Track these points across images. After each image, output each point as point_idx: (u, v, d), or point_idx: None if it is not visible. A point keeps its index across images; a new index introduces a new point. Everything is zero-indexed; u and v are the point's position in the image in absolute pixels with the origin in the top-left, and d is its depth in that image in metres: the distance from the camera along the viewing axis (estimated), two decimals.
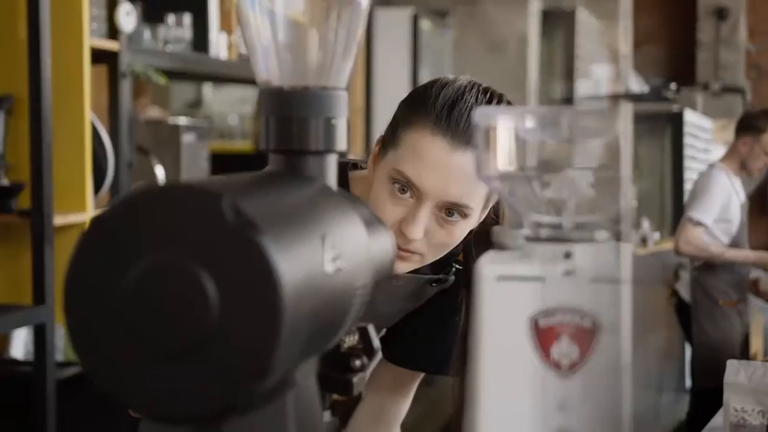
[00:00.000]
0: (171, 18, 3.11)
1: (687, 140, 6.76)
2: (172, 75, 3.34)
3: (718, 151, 8.17)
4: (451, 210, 1.26)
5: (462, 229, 1.28)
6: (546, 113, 0.70)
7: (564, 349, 0.67)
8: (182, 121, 3.28)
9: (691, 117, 6.89)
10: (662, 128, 6.64)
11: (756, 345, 6.26)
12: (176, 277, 0.59)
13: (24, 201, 2.42)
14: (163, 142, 3.20)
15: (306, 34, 0.81)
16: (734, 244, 4.34)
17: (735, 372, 1.96)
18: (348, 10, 0.82)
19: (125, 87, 2.76)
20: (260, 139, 0.81)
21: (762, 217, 8.96)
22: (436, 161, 1.23)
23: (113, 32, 2.72)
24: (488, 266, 0.69)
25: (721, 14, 8.92)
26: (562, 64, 7.20)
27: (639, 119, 5.78)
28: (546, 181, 0.70)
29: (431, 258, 1.31)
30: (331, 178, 0.80)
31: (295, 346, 0.63)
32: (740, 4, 8.99)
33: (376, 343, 0.91)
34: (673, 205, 6.84)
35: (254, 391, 0.60)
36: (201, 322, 0.59)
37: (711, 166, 4.52)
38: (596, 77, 5.26)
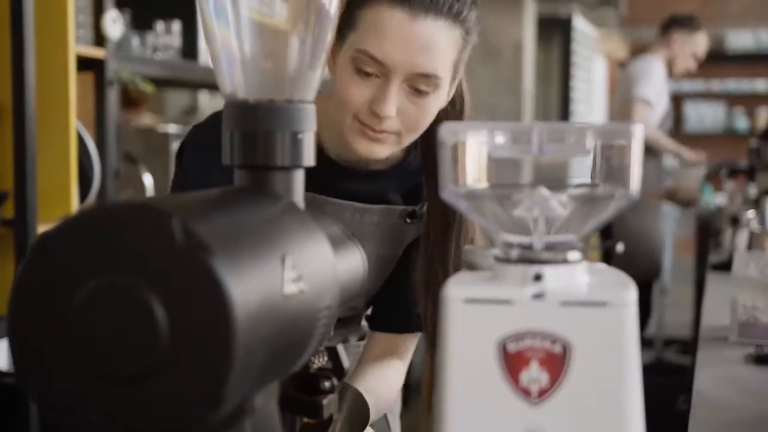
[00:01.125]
0: (160, 25, 3.08)
1: (574, 47, 6.93)
2: (162, 83, 3.32)
3: (600, 62, 8.40)
4: (420, 86, 1.22)
5: (434, 103, 1.25)
6: (515, 129, 0.67)
7: (534, 375, 0.65)
8: (172, 129, 3.25)
9: (579, 24, 7.03)
10: (551, 33, 6.81)
11: None
12: (124, 299, 0.57)
13: (8, 210, 2.39)
14: (154, 150, 3.18)
15: (272, 46, 0.78)
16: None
17: (744, 264, 1.84)
18: (316, 19, 0.79)
19: (112, 95, 2.73)
20: (224, 154, 0.79)
21: None
22: (398, 33, 1.19)
23: (100, 39, 2.69)
24: (455, 288, 0.66)
25: None
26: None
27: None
28: (516, 199, 0.67)
29: (407, 138, 1.27)
30: (298, 194, 0.77)
31: (251, 372, 0.60)
32: None
33: (347, 362, 0.88)
34: (561, 112, 7.01)
35: (207, 420, 0.58)
36: (149, 347, 0.56)
37: (641, 57, 4.59)
38: None
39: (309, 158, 0.78)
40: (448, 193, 0.68)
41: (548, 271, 0.65)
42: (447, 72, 1.24)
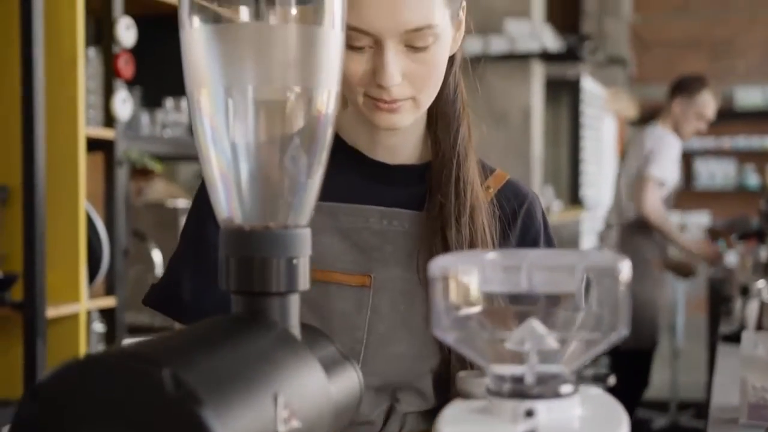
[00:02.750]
0: (169, 102, 3.12)
1: (583, 108, 6.97)
2: (171, 158, 3.35)
3: (610, 121, 8.50)
4: (417, 42, 1.13)
5: (439, 54, 1.16)
6: (504, 263, 0.68)
7: None
8: (182, 203, 3.27)
9: (587, 84, 7.07)
10: (560, 94, 6.84)
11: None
12: None
13: (17, 292, 2.40)
14: (163, 225, 3.19)
15: (268, 172, 0.79)
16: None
17: (752, 344, 1.78)
18: (310, 146, 0.80)
19: (121, 174, 2.76)
20: (221, 279, 0.79)
21: None
22: None
23: (110, 120, 2.72)
24: (448, 426, 0.66)
25: None
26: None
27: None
28: (507, 333, 0.67)
29: (426, 99, 1.18)
30: (293, 318, 0.78)
31: None
32: None
33: None
34: (570, 173, 7.02)
35: None
36: None
37: (652, 125, 4.55)
38: (510, 33, 5.31)
39: (305, 282, 0.78)
40: (437, 326, 0.68)
41: (540, 407, 0.65)
42: (441, 16, 1.14)
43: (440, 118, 1.26)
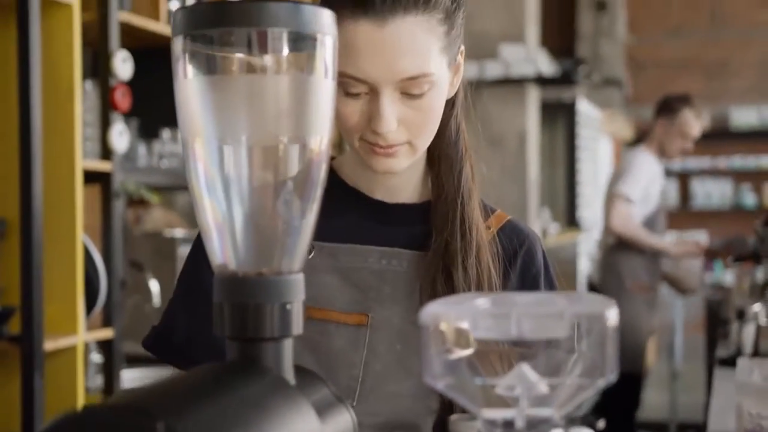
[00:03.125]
0: (166, 133, 3.13)
1: (578, 130, 7.01)
2: (168, 188, 3.36)
3: (606, 142, 8.56)
4: (413, 89, 1.13)
5: (435, 100, 1.16)
6: (494, 311, 0.69)
7: None
8: (179, 233, 3.28)
9: (583, 106, 7.12)
10: (555, 117, 6.88)
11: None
12: None
13: (14, 325, 2.41)
14: (161, 255, 3.20)
15: (262, 220, 0.80)
16: (648, 225, 4.38)
17: (747, 371, 1.77)
18: (303, 192, 0.81)
19: (118, 206, 2.77)
20: (215, 325, 0.80)
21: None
22: (369, 46, 1.11)
23: (106, 152, 2.73)
24: None
25: (600, 6, 9.20)
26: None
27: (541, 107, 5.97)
28: (497, 378, 0.68)
29: (422, 144, 1.19)
30: (287, 363, 0.79)
31: None
32: None
33: None
34: (567, 195, 7.05)
35: None
36: None
37: (637, 147, 4.62)
38: (505, 58, 5.36)
39: (298, 327, 0.79)
40: (428, 373, 0.69)
41: None
42: (438, 64, 1.15)
43: (443, 160, 1.27)
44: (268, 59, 0.77)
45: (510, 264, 1.28)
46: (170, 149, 3.10)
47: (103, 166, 2.70)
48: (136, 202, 3.54)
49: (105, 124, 2.72)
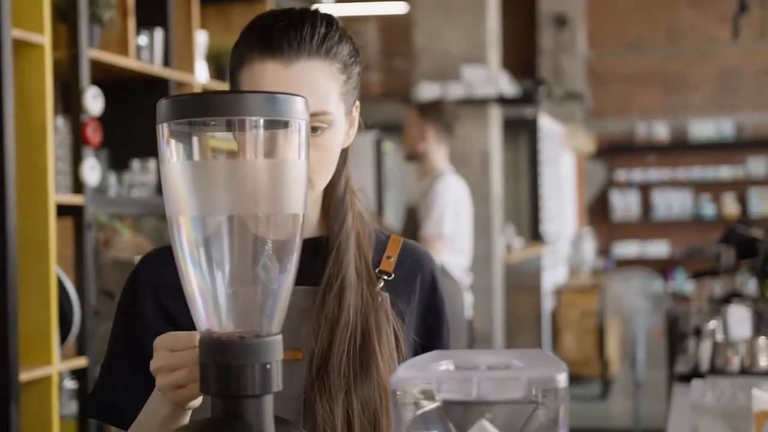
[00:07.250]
0: (136, 163, 3.19)
1: (540, 146, 7.16)
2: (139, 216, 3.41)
3: (568, 156, 8.73)
4: (312, 123, 1.19)
5: (332, 140, 1.24)
6: (457, 376, 0.77)
7: None
8: None
9: (545, 122, 7.27)
10: (518, 134, 7.02)
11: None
12: None
13: None
14: None
15: (242, 288, 0.88)
16: None
17: (701, 392, 1.81)
18: (280, 259, 0.89)
19: (90, 238, 2.83)
20: (201, 384, 0.88)
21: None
22: (274, 82, 1.20)
23: (78, 185, 2.79)
24: None
25: (561, 22, 9.35)
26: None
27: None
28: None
29: (319, 181, 1.25)
30: (267, 416, 0.87)
31: None
32: (579, 11, 9.46)
33: None
34: (530, 210, 7.21)
35: None
36: None
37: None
38: (468, 79, 5.42)
39: (277, 384, 0.87)
40: (399, 425, 0.77)
41: None
42: (336, 106, 1.24)
43: (331, 208, 1.32)
44: (245, 144, 0.85)
45: (411, 287, 1.33)
46: (140, 179, 3.16)
47: (76, 199, 2.76)
48: (105, 227, 3.59)
49: (77, 159, 2.78)
